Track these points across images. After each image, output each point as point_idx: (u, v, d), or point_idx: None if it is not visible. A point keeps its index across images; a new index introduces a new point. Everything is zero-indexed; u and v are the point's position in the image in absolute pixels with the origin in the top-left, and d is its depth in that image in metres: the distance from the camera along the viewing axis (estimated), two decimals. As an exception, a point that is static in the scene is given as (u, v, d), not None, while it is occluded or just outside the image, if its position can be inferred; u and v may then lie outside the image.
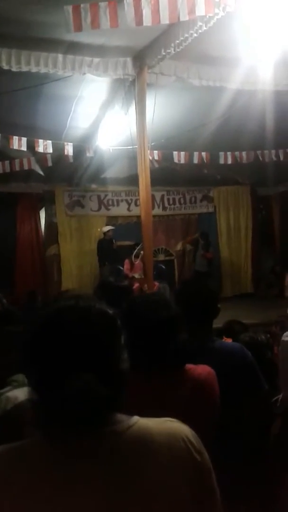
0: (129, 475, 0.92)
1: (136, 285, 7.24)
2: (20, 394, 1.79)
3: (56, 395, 0.91)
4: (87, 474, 0.91)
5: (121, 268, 8.91)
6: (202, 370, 1.58)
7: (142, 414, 1.01)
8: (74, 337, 0.94)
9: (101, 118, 7.13)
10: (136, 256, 8.44)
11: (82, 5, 3.61)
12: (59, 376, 0.91)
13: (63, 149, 7.21)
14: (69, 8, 3.58)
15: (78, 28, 3.64)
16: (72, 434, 0.92)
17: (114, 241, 9.27)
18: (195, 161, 7.86)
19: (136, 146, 6.20)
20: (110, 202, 10.07)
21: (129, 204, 10.13)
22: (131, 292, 2.10)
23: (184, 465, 0.97)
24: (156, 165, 7.79)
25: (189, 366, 1.58)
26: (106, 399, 0.93)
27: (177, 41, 4.82)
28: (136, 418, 0.99)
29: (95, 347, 0.94)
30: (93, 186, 9.90)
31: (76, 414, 0.91)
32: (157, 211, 10.00)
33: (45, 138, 6.92)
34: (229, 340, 3.13)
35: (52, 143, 6.98)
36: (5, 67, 5.18)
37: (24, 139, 6.74)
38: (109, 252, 9.14)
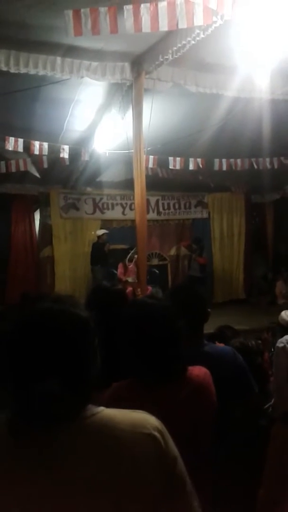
0: (86, 460, 0.94)
1: (129, 289, 7.25)
2: None
3: (22, 397, 0.94)
4: (41, 462, 0.93)
5: (115, 271, 8.92)
6: (198, 371, 1.59)
7: None
8: (45, 340, 0.96)
9: (98, 122, 7.15)
10: (130, 260, 8.45)
11: (82, 10, 3.64)
12: (27, 378, 0.94)
13: (59, 151, 7.22)
14: (70, 13, 3.60)
15: (79, 32, 3.66)
16: (36, 428, 0.95)
17: (107, 244, 9.29)
18: (191, 167, 7.91)
19: (132, 151, 6.23)
20: (105, 206, 10.09)
21: (124, 208, 10.15)
22: (125, 297, 2.10)
23: (147, 451, 0.98)
24: (150, 173, 7.81)
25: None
26: (69, 403, 0.95)
27: (175, 48, 4.86)
28: (101, 408, 1.01)
29: (65, 351, 0.96)
30: (89, 189, 9.91)
31: (39, 415, 0.94)
32: (152, 215, 10.03)
33: (41, 140, 6.93)
34: (221, 345, 3.15)
35: (49, 145, 7.00)
36: (4, 68, 5.19)
37: (20, 140, 6.75)
38: (100, 255, 9.18)
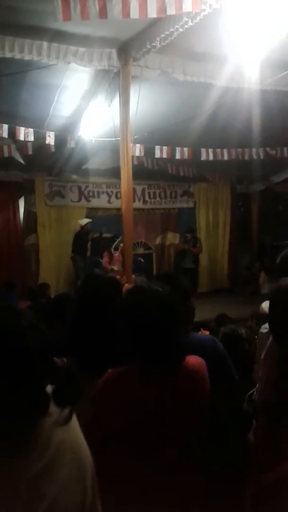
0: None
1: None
2: None
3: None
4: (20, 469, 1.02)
5: (100, 260, 8.91)
6: (195, 360, 1.60)
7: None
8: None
9: (84, 109, 7.07)
10: (116, 249, 8.44)
11: (70, -6, 3.57)
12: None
13: (44, 138, 7.13)
14: (58, -4, 3.53)
15: (67, 17, 3.59)
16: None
17: (90, 234, 9.28)
18: (177, 156, 7.88)
19: (119, 138, 6.18)
20: (91, 194, 10.04)
21: (109, 196, 10.12)
22: (120, 285, 2.09)
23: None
24: (136, 162, 7.77)
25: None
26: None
27: (163, 35, 4.81)
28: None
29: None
30: (74, 176, 9.85)
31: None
32: (138, 204, 10.02)
33: (27, 126, 6.83)
34: (206, 333, 3.18)
35: (34, 132, 6.89)
36: (-12, 52, 5.09)
37: (5, 126, 6.63)
38: (81, 244, 9.16)
